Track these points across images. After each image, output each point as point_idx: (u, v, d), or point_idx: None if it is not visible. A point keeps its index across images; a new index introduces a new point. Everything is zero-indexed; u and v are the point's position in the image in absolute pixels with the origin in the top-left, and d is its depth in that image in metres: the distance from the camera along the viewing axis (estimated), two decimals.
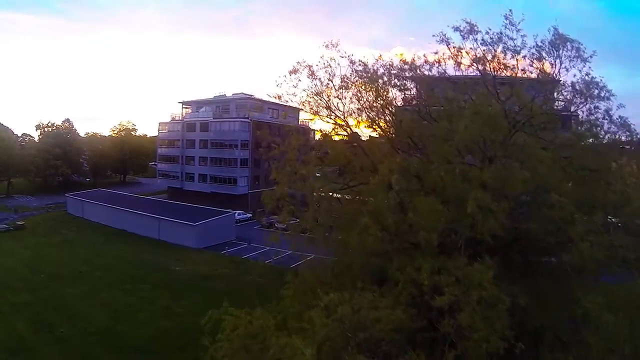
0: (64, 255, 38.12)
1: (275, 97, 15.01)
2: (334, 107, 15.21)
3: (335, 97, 15.33)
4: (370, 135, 14.42)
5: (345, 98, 14.90)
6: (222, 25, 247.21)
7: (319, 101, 15.15)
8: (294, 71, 13.59)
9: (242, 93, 69.49)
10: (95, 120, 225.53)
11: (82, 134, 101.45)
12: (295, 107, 78.13)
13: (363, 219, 8.92)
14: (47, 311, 25.93)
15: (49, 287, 29.89)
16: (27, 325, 24.03)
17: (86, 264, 35.44)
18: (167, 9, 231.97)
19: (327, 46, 13.29)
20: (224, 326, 9.27)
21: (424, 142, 11.75)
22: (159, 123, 70.58)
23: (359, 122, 15.46)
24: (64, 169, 78.52)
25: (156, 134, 74.12)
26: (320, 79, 14.01)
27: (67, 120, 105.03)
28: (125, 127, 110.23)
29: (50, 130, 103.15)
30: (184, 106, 69.39)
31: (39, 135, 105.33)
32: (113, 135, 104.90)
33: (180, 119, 68.25)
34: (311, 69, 13.51)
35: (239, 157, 57.84)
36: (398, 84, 14.49)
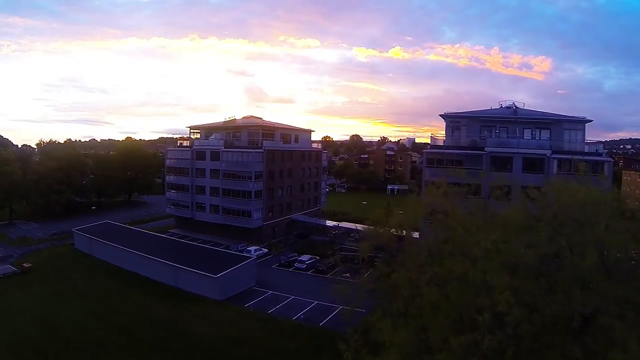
0: (77, 312, 35.92)
1: None
2: None
3: None
4: None
5: None
6: (219, 27, 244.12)
7: None
8: None
9: (252, 117, 67.58)
10: (93, 124, 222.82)
11: (78, 137, 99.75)
12: (307, 129, 75.74)
13: None
14: None
15: None
16: None
17: (102, 324, 33.42)
18: (162, 10, 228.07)
19: None
20: None
21: None
22: (167, 150, 68.11)
23: None
24: (67, 193, 76.16)
25: (154, 137, 72.14)
26: None
27: (69, 139, 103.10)
28: (128, 137, 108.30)
29: (51, 145, 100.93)
30: (192, 131, 66.97)
31: (37, 151, 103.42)
32: (119, 142, 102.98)
33: (189, 145, 65.87)
34: None
35: (253, 189, 55.49)
36: None
